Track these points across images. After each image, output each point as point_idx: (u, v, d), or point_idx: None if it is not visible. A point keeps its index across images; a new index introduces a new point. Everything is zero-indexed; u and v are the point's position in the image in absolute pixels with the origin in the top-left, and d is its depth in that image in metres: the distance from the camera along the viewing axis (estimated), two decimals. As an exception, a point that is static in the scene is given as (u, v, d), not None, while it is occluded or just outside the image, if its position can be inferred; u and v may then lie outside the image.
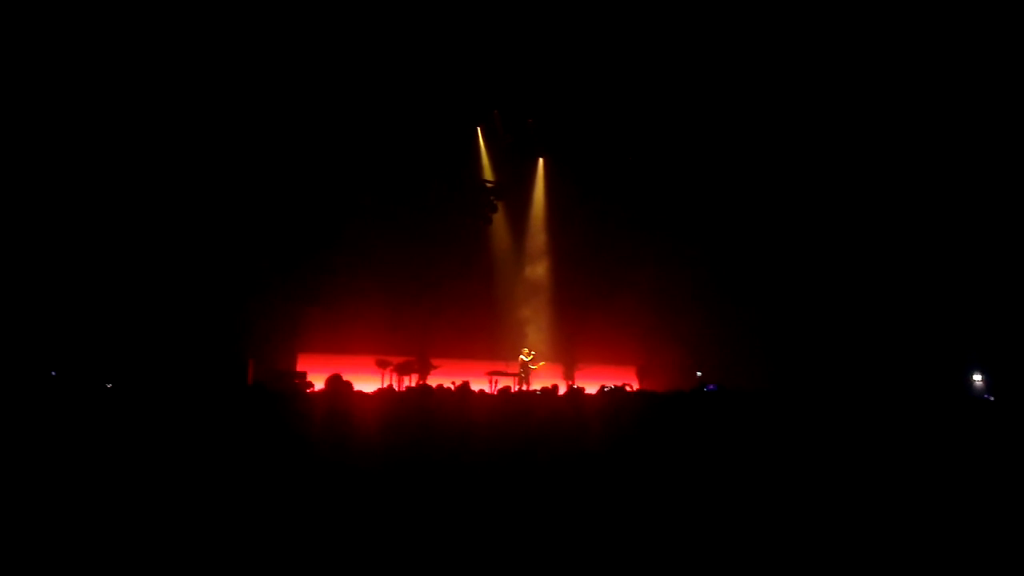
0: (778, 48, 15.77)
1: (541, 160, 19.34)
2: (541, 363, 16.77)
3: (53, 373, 8.74)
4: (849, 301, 17.55)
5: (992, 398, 12.67)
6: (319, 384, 11.97)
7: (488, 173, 18.33)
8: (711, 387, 12.08)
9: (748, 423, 6.91)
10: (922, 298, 17.01)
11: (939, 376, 15.76)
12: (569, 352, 17.67)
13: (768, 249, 18.12)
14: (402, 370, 15.17)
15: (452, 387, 8.55)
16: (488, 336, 17.83)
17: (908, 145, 16.63)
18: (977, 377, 16.27)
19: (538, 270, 19.03)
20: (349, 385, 7.12)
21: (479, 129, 18.38)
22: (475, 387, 8.72)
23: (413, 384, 14.91)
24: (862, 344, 16.96)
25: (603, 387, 11.79)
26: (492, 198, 18.04)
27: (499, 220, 18.45)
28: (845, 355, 16.84)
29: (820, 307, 17.85)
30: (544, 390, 10.16)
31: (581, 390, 9.72)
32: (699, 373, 17.33)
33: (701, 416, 7.34)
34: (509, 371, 16.39)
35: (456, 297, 17.48)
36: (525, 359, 16.67)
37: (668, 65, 16.29)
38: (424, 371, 15.30)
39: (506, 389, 11.17)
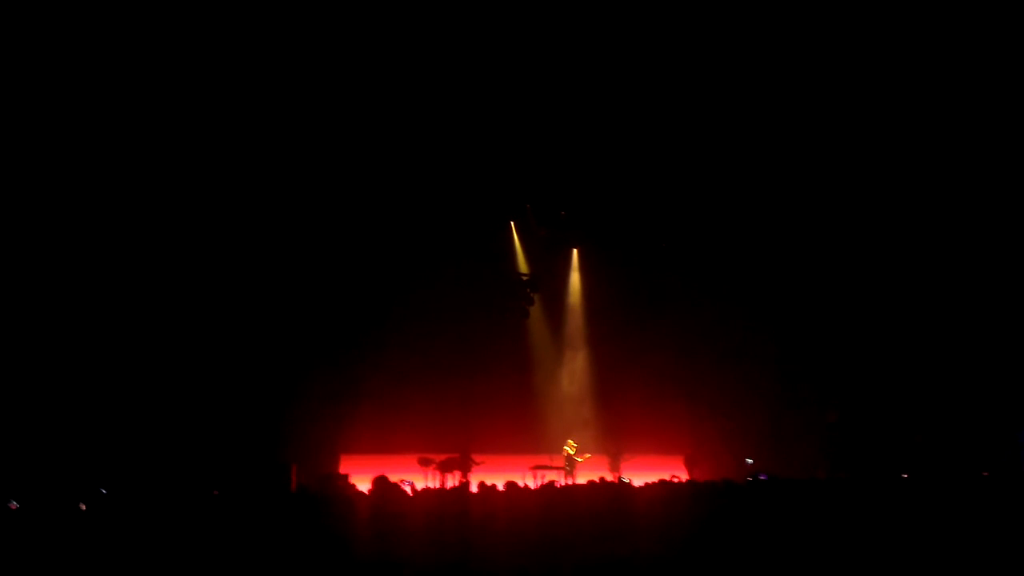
0: (822, 132, 15.90)
1: (575, 251, 19.49)
2: (586, 455, 16.44)
3: (103, 491, 8.80)
4: (903, 385, 17.14)
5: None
6: (361, 485, 11.87)
7: (523, 266, 18.48)
8: (762, 476, 11.71)
9: (802, 514, 6.66)
10: (977, 379, 16.55)
11: (998, 460, 15.16)
12: (614, 443, 17.31)
13: (815, 331, 17.85)
14: (445, 468, 14.98)
15: (495, 485, 8.40)
16: (531, 430, 17.56)
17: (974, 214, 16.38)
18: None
19: (578, 361, 18.89)
20: (393, 486, 7.04)
21: (512, 223, 18.66)
22: (520, 483, 8.55)
23: (456, 482, 14.70)
24: (918, 429, 16.47)
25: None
26: (528, 291, 18.11)
27: (536, 313, 18.46)
28: (901, 440, 16.33)
29: (873, 390, 17.43)
30: (590, 483, 9.92)
31: (628, 482, 9.50)
32: (749, 461, 16.82)
33: (754, 507, 7.09)
34: (554, 465, 16.08)
35: (497, 392, 17.34)
36: (570, 452, 16.36)
37: (700, 151, 16.50)
38: (467, 468, 15.09)
39: (551, 483, 10.95)
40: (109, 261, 13.93)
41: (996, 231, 16.36)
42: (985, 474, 12.44)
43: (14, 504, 7.02)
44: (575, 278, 19.40)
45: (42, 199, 13.21)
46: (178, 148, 14.09)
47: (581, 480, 14.59)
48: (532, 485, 10.13)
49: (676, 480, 11.05)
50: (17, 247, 13.12)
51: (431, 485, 14.49)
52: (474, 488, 7.93)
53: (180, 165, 14.22)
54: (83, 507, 6.95)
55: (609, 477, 15.48)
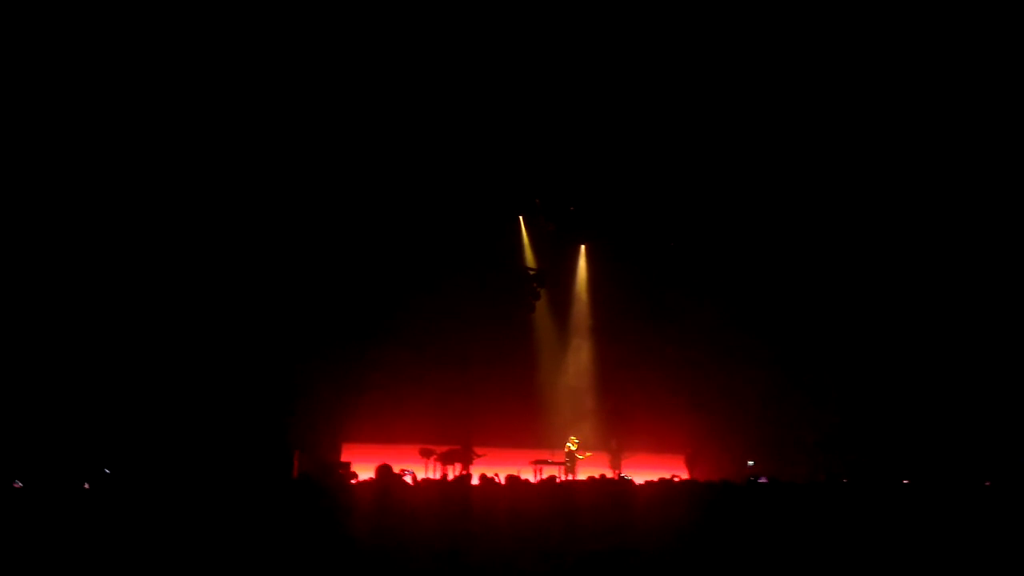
0: (830, 134, 15.86)
1: (583, 247, 19.49)
2: (588, 453, 16.47)
3: (107, 471, 8.85)
4: (907, 390, 17.13)
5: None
6: (363, 474, 11.92)
7: (531, 261, 18.50)
8: (763, 479, 11.69)
9: (801, 517, 6.67)
10: (980, 385, 16.52)
11: (1000, 465, 15.13)
12: (616, 440, 17.34)
13: (818, 332, 17.83)
14: (446, 459, 15.02)
15: (496, 478, 8.44)
16: (533, 424, 17.61)
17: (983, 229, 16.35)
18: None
19: (583, 357, 18.91)
20: (396, 476, 7.08)
21: (521, 218, 18.66)
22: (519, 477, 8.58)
23: (456, 473, 14.74)
24: (920, 433, 16.45)
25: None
26: (535, 285, 18.12)
27: (542, 308, 18.49)
28: (903, 444, 16.32)
29: (876, 392, 17.42)
30: (591, 479, 9.95)
31: (629, 480, 9.52)
32: (751, 463, 16.83)
33: (752, 508, 7.11)
34: (554, 460, 16.11)
35: (500, 385, 17.40)
36: (571, 448, 16.39)
37: (710, 150, 16.48)
38: (468, 460, 15.13)
39: (551, 479, 11.01)
40: (121, 254, 14.04)
41: (1003, 235, 16.31)
42: (987, 484, 12.41)
43: (18, 483, 7.08)
44: (582, 274, 19.41)
45: (50, 196, 13.27)
46: (192, 144, 14.21)
47: (582, 476, 14.64)
48: (532, 479, 10.16)
49: (676, 479, 11.06)
50: (47, 239, 13.25)
51: (431, 476, 14.57)
52: (475, 480, 7.97)
53: (191, 160, 14.34)
54: (87, 486, 7.00)
55: (610, 474, 15.51)
